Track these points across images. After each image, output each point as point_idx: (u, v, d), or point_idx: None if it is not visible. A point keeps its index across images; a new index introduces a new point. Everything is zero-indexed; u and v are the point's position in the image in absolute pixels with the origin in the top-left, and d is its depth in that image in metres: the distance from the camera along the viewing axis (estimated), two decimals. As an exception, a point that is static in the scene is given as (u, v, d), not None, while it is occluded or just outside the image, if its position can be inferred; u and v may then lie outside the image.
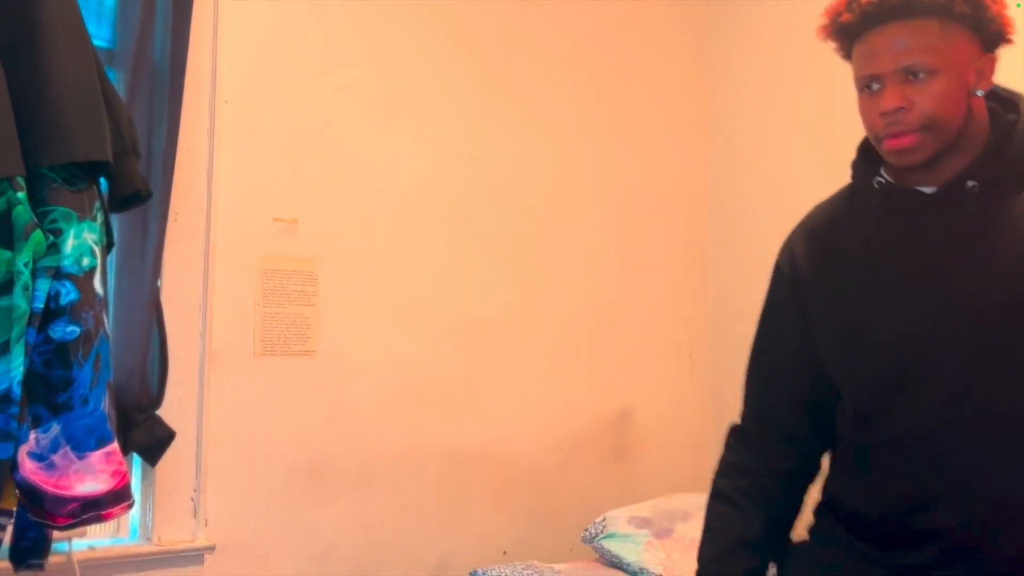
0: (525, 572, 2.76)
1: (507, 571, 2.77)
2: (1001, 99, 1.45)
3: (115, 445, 2.04)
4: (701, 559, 1.58)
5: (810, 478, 1.61)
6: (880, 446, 1.43)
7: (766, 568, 1.57)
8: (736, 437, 1.66)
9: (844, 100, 3.21)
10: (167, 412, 2.48)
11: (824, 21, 1.45)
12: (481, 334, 3.13)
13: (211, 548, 2.58)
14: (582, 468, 3.26)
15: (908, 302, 1.39)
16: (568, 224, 3.28)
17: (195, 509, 2.58)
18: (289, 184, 2.78)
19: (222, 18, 2.68)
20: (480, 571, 2.80)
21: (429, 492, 2.98)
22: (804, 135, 3.36)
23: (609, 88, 3.37)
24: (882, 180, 1.45)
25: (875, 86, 1.38)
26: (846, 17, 1.40)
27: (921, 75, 1.34)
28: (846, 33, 1.42)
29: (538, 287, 3.21)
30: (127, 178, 2.15)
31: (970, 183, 1.36)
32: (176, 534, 2.55)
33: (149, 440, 2.42)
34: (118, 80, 2.44)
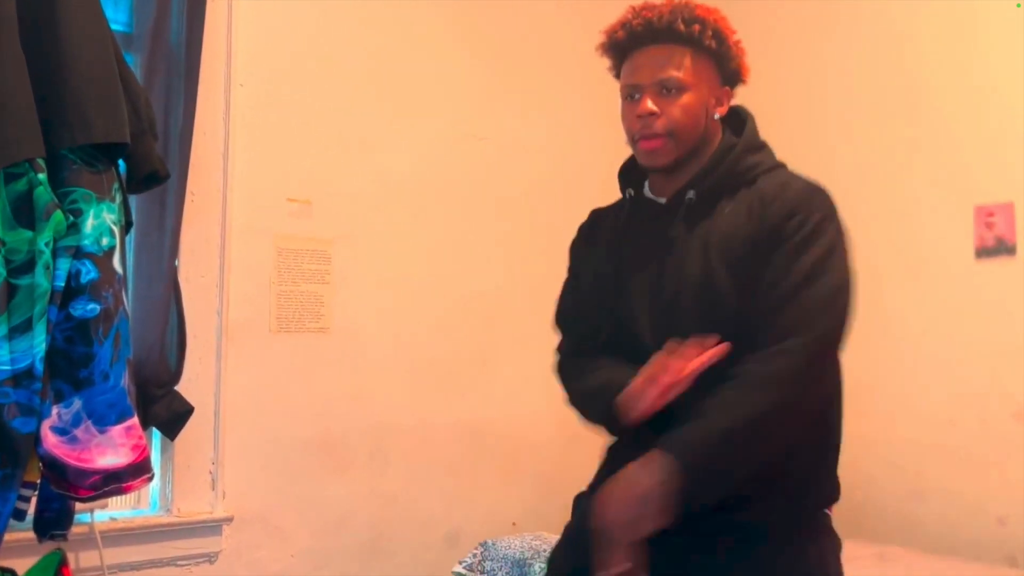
0: (534, 543, 2.78)
1: (516, 542, 2.80)
2: (735, 124, 1.70)
3: (135, 419, 2.06)
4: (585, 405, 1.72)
5: None
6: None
7: None
8: (560, 362, 1.82)
9: (844, 101, 3.23)
10: (185, 387, 2.51)
11: (602, 39, 1.71)
12: (491, 311, 3.14)
13: (229, 519, 2.62)
14: (590, 442, 3.25)
15: (639, 286, 1.65)
16: (578, 200, 3.27)
17: (213, 482, 2.61)
18: (303, 165, 2.80)
19: (236, 2, 2.69)
20: (490, 541, 2.83)
21: (440, 465, 3.00)
22: (800, 93, 3.35)
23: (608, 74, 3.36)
24: (631, 192, 1.73)
25: (636, 95, 1.64)
26: (619, 35, 1.67)
27: (673, 90, 1.61)
28: (618, 50, 1.68)
29: (547, 264, 3.20)
30: (145, 159, 2.17)
31: (690, 194, 1.63)
32: (195, 506, 2.58)
33: (168, 414, 2.45)
34: (135, 63, 2.45)
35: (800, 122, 3.36)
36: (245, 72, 2.70)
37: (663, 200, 1.67)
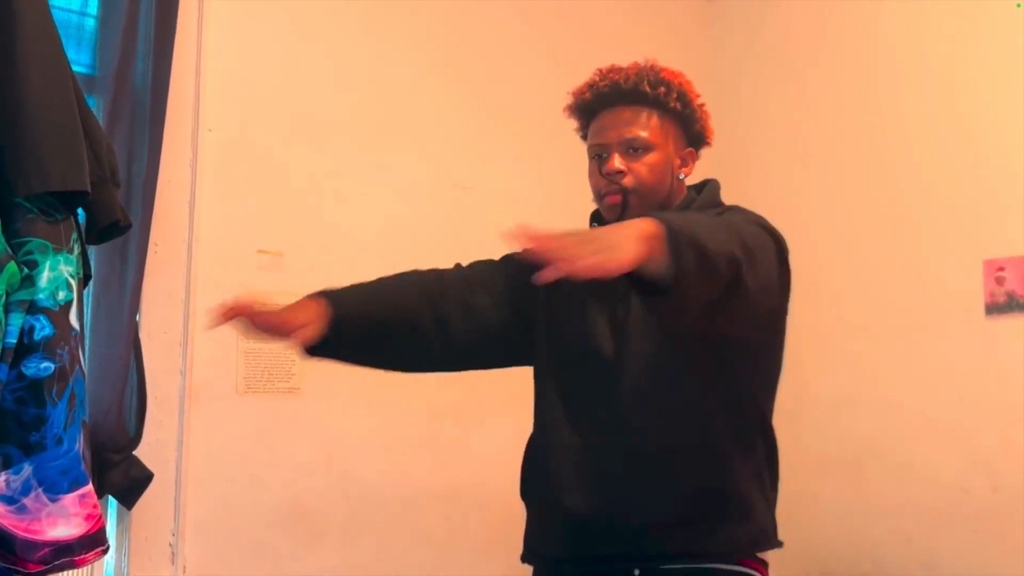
0: (520, 621, 2.74)
1: (501, 620, 2.75)
2: (699, 187, 1.85)
3: (90, 487, 2.02)
4: None
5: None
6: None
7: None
8: None
9: (842, 153, 3.27)
10: (145, 452, 2.47)
11: (569, 101, 1.85)
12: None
13: (190, 596, 2.56)
14: (580, 511, 3.24)
15: (586, 330, 1.77)
16: (565, 256, 3.28)
17: (173, 555, 2.56)
18: (274, 215, 2.79)
19: (206, 43, 2.70)
20: (472, 620, 2.78)
21: (420, 537, 2.96)
22: (806, 144, 3.38)
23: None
24: None
25: (603, 155, 1.77)
26: (587, 96, 1.81)
27: (639, 150, 1.74)
28: (585, 110, 1.82)
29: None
30: (106, 208, 2.15)
31: None
32: (153, 581, 2.53)
33: (125, 481, 2.41)
34: (98, 107, 2.45)
35: (799, 175, 3.39)
36: (214, 117, 2.70)
37: None
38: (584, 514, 1.70)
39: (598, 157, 1.79)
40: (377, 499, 2.89)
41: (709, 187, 1.85)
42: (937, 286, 3.00)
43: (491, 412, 3.12)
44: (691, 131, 1.81)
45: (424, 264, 3.05)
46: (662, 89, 1.76)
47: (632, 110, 1.77)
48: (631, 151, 1.75)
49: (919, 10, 3.15)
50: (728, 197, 1.89)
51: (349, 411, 2.87)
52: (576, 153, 3.33)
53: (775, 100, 3.50)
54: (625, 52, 3.53)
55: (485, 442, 3.10)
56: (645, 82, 1.76)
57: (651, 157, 1.75)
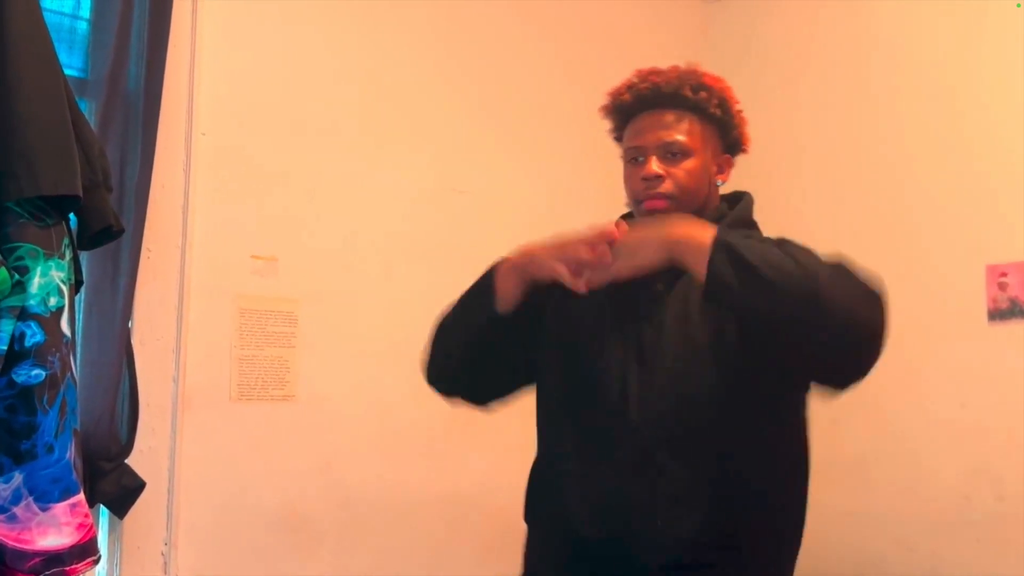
0: (517, 631, 2.73)
1: (498, 630, 2.75)
2: (730, 198, 1.84)
3: (81, 496, 2.02)
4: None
5: None
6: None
7: None
8: None
9: (845, 108, 3.27)
10: (137, 461, 2.47)
11: (606, 101, 1.83)
12: (471, 377, 3.12)
13: (183, 606, 2.56)
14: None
15: (606, 361, 1.72)
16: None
17: (165, 565, 2.55)
18: (268, 220, 2.79)
19: (200, 46, 2.70)
20: (469, 630, 2.78)
21: (417, 544, 2.96)
22: (806, 147, 3.39)
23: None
24: None
25: (640, 158, 1.75)
26: (625, 97, 1.79)
27: (678, 154, 1.72)
28: (623, 112, 1.81)
29: (531, 328, 3.21)
30: (98, 213, 2.15)
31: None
32: (145, 591, 2.52)
33: (117, 490, 2.40)
34: (90, 110, 2.45)
35: (799, 178, 3.40)
36: (208, 120, 2.70)
37: None
38: (601, 544, 1.66)
39: (635, 160, 1.78)
40: (374, 507, 2.89)
41: (744, 202, 1.83)
42: (939, 292, 3.01)
43: (489, 419, 3.11)
44: (729, 137, 1.81)
45: (421, 270, 3.06)
46: (704, 94, 1.76)
47: (672, 114, 1.75)
48: (670, 156, 1.73)
49: (919, 11, 3.16)
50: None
51: (344, 418, 2.86)
52: (577, 158, 3.35)
53: (774, 102, 3.50)
54: (624, 53, 3.55)
55: (483, 449, 3.10)
56: (687, 86, 1.75)
57: (690, 163, 1.74)
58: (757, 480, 1.63)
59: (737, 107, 1.81)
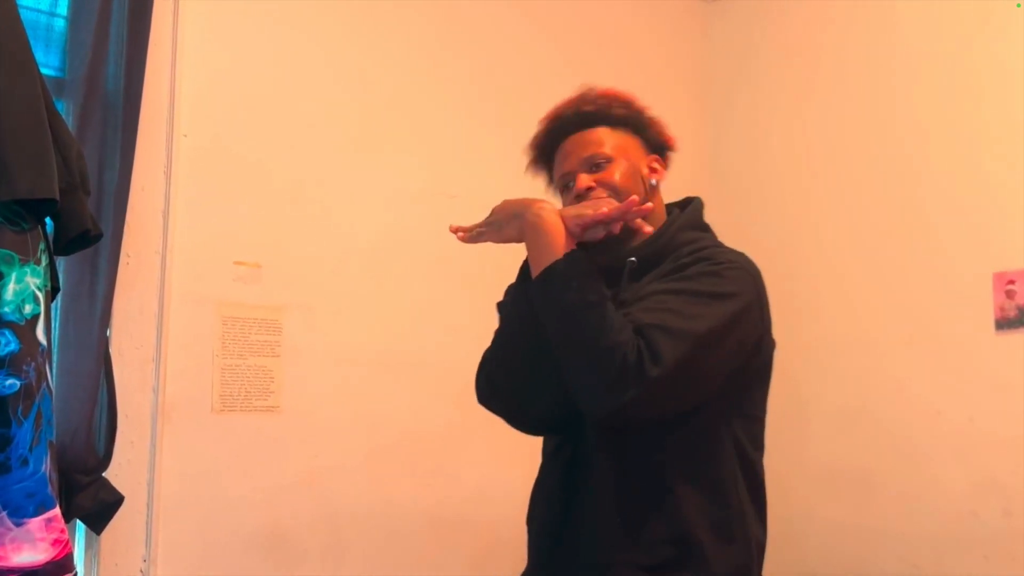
0: (509, 651, 2.73)
1: (489, 650, 2.74)
2: (682, 204, 1.91)
3: (57, 511, 2.01)
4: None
5: None
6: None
7: None
8: None
9: (849, 111, 3.28)
10: (115, 474, 2.46)
11: (529, 155, 1.96)
12: (463, 387, 3.10)
13: (162, 625, 2.55)
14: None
15: None
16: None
17: (145, 582, 2.55)
18: (252, 225, 2.79)
19: (181, 45, 2.70)
20: (460, 650, 2.78)
21: (405, 562, 2.95)
22: (808, 151, 3.40)
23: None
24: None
25: (570, 184, 1.83)
26: (539, 136, 1.91)
27: (602, 164, 1.80)
28: (543, 154, 1.92)
29: (524, 337, 3.20)
30: (76, 217, 2.14)
31: (631, 260, 1.78)
32: (123, 610, 2.51)
33: (95, 505, 2.39)
34: (67, 111, 2.44)
35: (800, 183, 3.40)
36: (189, 122, 2.70)
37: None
38: (553, 552, 1.79)
39: (566, 188, 1.86)
40: (360, 523, 2.88)
41: (693, 206, 1.89)
42: (945, 300, 3.01)
43: (479, 433, 3.11)
44: (647, 137, 1.87)
45: (411, 278, 3.06)
46: (602, 100, 1.85)
47: (584, 133, 1.84)
48: (594, 168, 1.81)
49: (924, 12, 3.17)
50: (727, 207, 1.91)
51: (331, 430, 2.86)
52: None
53: (776, 103, 3.51)
54: (623, 55, 3.56)
55: (473, 464, 3.10)
56: (584, 102, 1.85)
57: (615, 167, 1.80)
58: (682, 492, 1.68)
59: (641, 104, 1.88)
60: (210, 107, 2.75)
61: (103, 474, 2.43)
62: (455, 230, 1.89)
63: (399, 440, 2.98)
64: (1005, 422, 2.85)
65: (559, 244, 1.67)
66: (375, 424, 2.94)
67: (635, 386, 1.53)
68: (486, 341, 3.19)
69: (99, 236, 2.25)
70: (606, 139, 1.83)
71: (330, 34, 2.99)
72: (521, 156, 3.28)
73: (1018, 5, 2.90)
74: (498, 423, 3.23)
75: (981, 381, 2.92)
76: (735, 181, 3.52)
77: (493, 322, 3.14)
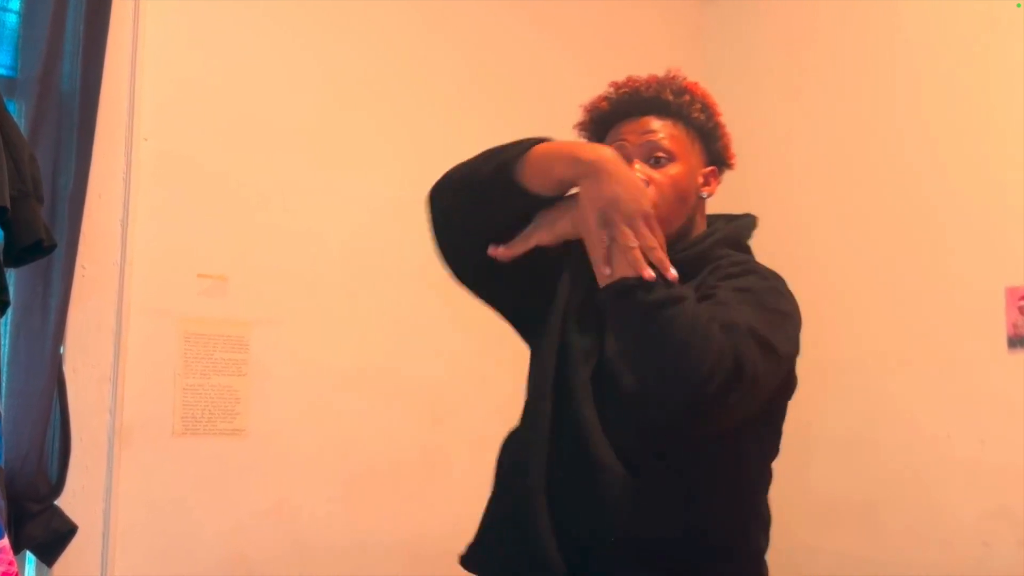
0: None
1: None
2: (732, 218, 1.87)
3: (5, 541, 1.99)
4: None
5: None
6: None
7: None
8: None
9: (848, 107, 3.29)
10: (68, 502, 2.44)
11: (582, 118, 1.87)
12: (441, 407, 3.11)
13: (118, 665, 2.53)
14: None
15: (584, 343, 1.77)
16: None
17: (100, 618, 2.53)
18: (218, 234, 2.78)
19: (142, 42, 2.70)
20: None
21: (379, 596, 2.94)
22: (809, 157, 3.41)
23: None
24: None
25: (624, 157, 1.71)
26: (603, 106, 1.83)
27: (662, 159, 1.74)
28: (601, 124, 1.84)
29: (504, 352, 3.19)
30: (27, 226, 2.13)
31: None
32: (76, 648, 2.49)
33: (46, 535, 2.38)
34: (20, 112, 2.44)
35: (801, 190, 3.41)
36: (151, 124, 2.69)
37: None
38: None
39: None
40: (332, 553, 2.87)
41: (744, 221, 1.86)
42: (955, 316, 3.02)
43: (459, 459, 3.10)
44: (713, 148, 1.84)
45: (388, 291, 3.05)
46: (686, 97, 1.80)
47: (654, 119, 1.79)
48: (653, 160, 1.75)
49: (927, 10, 3.18)
50: (719, 213, 1.90)
51: (301, 456, 2.85)
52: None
53: (775, 104, 3.52)
54: (616, 53, 3.56)
55: (452, 489, 3.08)
56: (668, 90, 1.80)
57: (674, 168, 1.75)
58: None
59: (720, 118, 1.85)
60: (173, 108, 2.74)
61: (55, 502, 2.42)
62: (495, 253, 1.77)
63: (374, 466, 2.96)
64: (1019, 447, 2.85)
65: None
66: (348, 449, 2.93)
67: (731, 389, 1.49)
68: (467, 359, 3.19)
69: (53, 246, 2.24)
70: (674, 135, 1.78)
71: (302, 31, 2.98)
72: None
73: (1018, 5, 2.92)
74: (477, 447, 3.22)
75: (993, 403, 2.92)
76: (728, 185, 3.52)
77: (475, 339, 3.14)
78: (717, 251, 1.77)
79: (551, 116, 3.35)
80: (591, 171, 1.56)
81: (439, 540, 3.06)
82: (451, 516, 3.08)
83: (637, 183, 1.56)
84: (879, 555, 3.07)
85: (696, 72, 3.78)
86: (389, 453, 3.00)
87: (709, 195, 1.83)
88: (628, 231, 1.51)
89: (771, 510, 1.78)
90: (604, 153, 1.58)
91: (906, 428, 3.06)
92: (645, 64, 3.70)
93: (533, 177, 1.65)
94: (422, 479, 3.05)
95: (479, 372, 3.15)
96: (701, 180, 1.80)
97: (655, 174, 1.73)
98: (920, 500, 3.03)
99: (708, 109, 1.82)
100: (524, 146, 1.70)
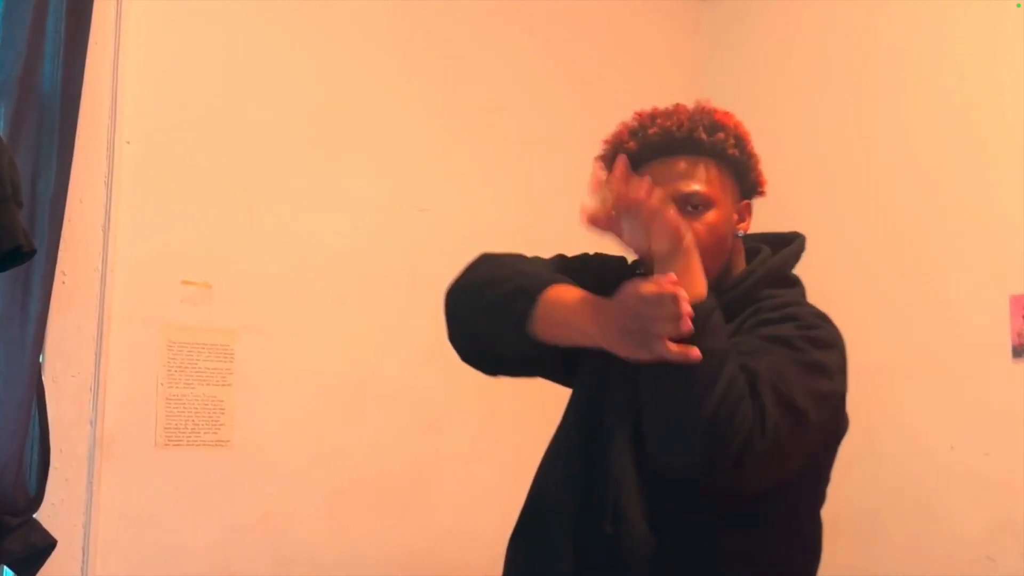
0: None
1: None
2: (780, 240, 1.85)
3: (-18, 556, 2.00)
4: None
5: None
6: None
7: None
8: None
9: (848, 111, 3.30)
10: (47, 516, 2.44)
11: (605, 148, 1.79)
12: (429, 417, 3.11)
13: None
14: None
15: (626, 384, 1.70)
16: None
17: (79, 635, 2.53)
18: (202, 240, 2.78)
19: (124, 43, 2.70)
20: None
21: (367, 612, 2.94)
22: (809, 161, 3.42)
23: (585, 126, 3.40)
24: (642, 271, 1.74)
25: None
26: (630, 145, 1.74)
27: (699, 207, 1.69)
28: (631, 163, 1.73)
29: (500, 364, 3.21)
30: (6, 231, 2.13)
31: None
32: (55, 666, 2.49)
33: (24, 550, 2.38)
34: (-2, 115, 2.44)
35: (801, 195, 3.42)
36: (133, 127, 2.70)
37: None
38: None
39: None
40: (320, 569, 2.87)
41: (787, 253, 1.83)
42: (959, 325, 3.03)
43: (449, 470, 3.11)
44: (746, 181, 1.79)
45: (376, 299, 3.05)
46: (720, 135, 1.74)
47: (686, 160, 1.72)
48: (689, 208, 1.68)
49: (931, 13, 3.20)
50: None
51: (287, 467, 2.85)
52: (545, 174, 3.36)
53: (767, 103, 3.52)
54: (611, 54, 3.58)
55: (443, 504, 3.09)
56: (701, 128, 1.73)
57: (712, 215, 1.70)
58: None
59: (752, 147, 1.80)
60: (156, 111, 2.74)
61: (34, 515, 2.42)
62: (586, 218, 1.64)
63: (362, 478, 2.97)
64: (1023, 456, 2.86)
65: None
66: (336, 460, 2.93)
67: (743, 460, 1.49)
68: (457, 368, 3.18)
69: (32, 252, 2.23)
70: (709, 178, 1.72)
71: (290, 34, 2.99)
72: (500, 167, 3.31)
73: (1018, 5, 2.94)
74: (468, 459, 3.24)
75: (997, 413, 2.93)
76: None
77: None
78: (759, 292, 1.74)
79: (548, 120, 3.38)
80: (600, 340, 1.55)
81: (427, 553, 3.07)
82: (439, 528, 3.10)
83: (654, 306, 1.47)
84: (882, 568, 3.08)
85: (692, 72, 3.83)
86: (377, 464, 3.00)
87: (744, 232, 1.80)
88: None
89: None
90: (608, 311, 1.53)
91: (909, 439, 3.07)
92: (643, 64, 3.73)
93: (545, 332, 1.67)
94: (410, 491, 3.05)
95: (468, 382, 3.14)
96: (736, 218, 1.77)
97: (693, 223, 1.66)
98: (923, 512, 3.03)
99: (741, 141, 1.77)
100: (535, 291, 1.71)
